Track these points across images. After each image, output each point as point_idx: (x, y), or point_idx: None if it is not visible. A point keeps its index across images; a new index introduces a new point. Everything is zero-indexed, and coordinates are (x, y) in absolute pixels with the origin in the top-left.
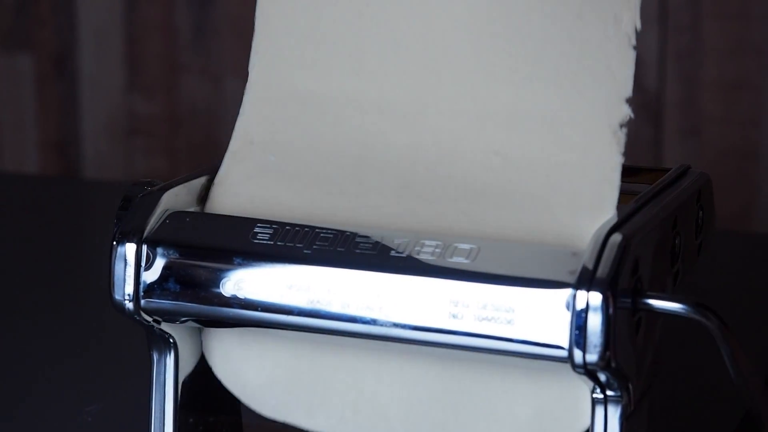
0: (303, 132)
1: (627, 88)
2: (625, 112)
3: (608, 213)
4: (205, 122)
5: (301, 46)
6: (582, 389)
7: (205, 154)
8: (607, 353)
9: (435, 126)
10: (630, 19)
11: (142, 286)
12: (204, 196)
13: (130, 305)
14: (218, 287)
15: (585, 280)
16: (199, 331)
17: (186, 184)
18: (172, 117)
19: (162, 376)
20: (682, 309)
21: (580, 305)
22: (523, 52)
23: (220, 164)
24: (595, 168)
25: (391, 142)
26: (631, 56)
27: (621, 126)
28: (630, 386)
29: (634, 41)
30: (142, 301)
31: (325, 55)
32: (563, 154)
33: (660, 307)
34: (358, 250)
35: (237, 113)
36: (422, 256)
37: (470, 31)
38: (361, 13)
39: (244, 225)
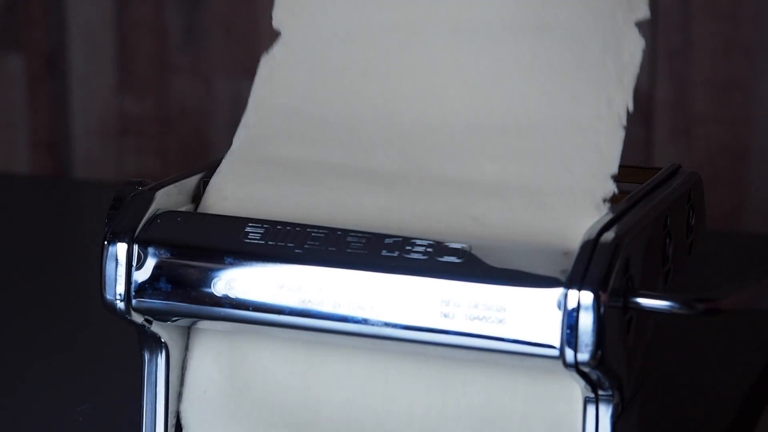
0: (277, 191)
1: (613, 165)
2: (610, 187)
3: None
4: (195, 122)
5: (290, 121)
6: (574, 388)
7: (196, 154)
8: (599, 352)
9: (414, 193)
10: (622, 100)
11: (133, 285)
12: (195, 195)
13: (121, 305)
14: (209, 287)
15: (576, 279)
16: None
17: (177, 183)
18: (162, 117)
19: (153, 376)
20: (672, 306)
21: (572, 304)
22: (516, 128)
23: (211, 163)
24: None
25: (366, 204)
26: (620, 135)
27: (604, 200)
28: (621, 385)
29: (624, 121)
30: (134, 301)
31: (314, 129)
32: (542, 221)
33: (650, 304)
34: (349, 250)
35: (227, 113)
36: (413, 256)
37: (462, 106)
38: (355, 94)
39: (235, 224)
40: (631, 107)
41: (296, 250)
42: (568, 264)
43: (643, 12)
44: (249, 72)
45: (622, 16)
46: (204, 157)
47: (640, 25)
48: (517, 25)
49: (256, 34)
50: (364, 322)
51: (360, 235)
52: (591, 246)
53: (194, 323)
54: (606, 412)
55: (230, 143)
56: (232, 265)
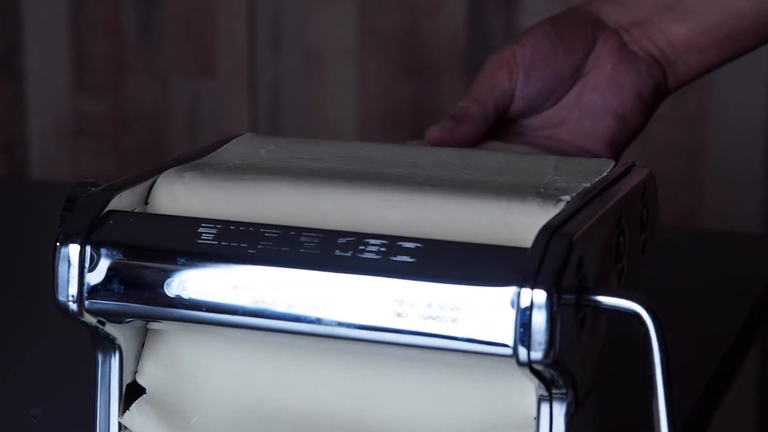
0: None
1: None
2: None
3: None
4: (151, 122)
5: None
6: (528, 385)
7: (153, 154)
8: (552, 351)
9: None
10: None
11: (86, 287)
12: (149, 196)
13: (74, 306)
14: (163, 288)
15: (529, 278)
16: (144, 332)
17: (131, 184)
18: (118, 117)
19: (107, 377)
20: (624, 305)
21: (525, 303)
22: None
23: (165, 164)
24: None
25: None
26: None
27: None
28: (575, 383)
29: None
30: (86, 302)
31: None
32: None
33: (603, 302)
34: (302, 249)
35: (183, 113)
36: (366, 255)
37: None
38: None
39: (188, 225)
40: None
41: (249, 251)
42: (522, 262)
43: None
44: (206, 72)
45: None
46: (160, 157)
47: None
48: None
49: (213, 34)
50: (318, 321)
51: (313, 234)
52: (544, 244)
53: (148, 324)
54: (560, 411)
55: (186, 143)
56: (185, 265)
